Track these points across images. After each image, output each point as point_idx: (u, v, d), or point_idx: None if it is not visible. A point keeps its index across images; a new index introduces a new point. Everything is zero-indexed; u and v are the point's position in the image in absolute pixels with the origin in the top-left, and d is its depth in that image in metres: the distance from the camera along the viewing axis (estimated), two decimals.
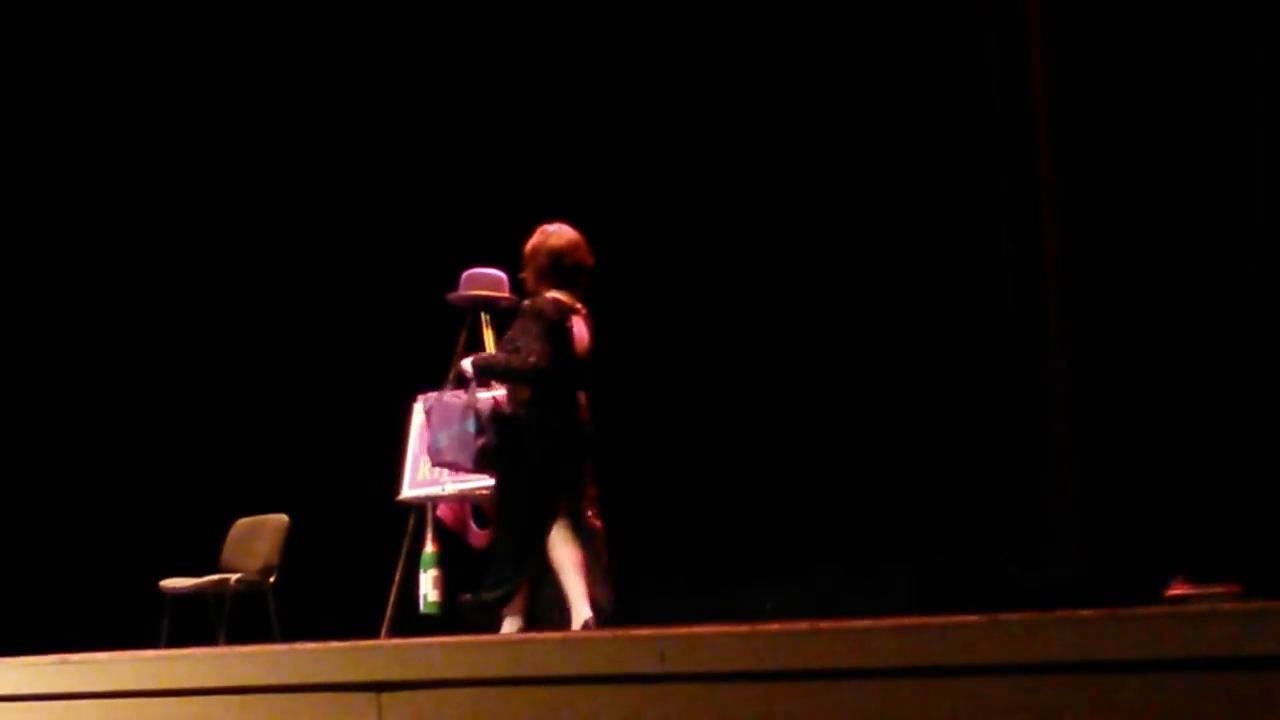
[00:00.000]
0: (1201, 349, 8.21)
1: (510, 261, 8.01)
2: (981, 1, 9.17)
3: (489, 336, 8.55)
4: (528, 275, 7.35)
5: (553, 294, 7.23)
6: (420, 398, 7.70)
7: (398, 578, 8.43)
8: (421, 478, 8.33)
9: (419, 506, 8.38)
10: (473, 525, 8.42)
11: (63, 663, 5.48)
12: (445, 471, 7.99)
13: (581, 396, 7.32)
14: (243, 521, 9.42)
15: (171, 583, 9.07)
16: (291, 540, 9.22)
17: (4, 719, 5.39)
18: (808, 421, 9.48)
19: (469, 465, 7.23)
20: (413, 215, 10.66)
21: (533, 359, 7.02)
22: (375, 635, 8.17)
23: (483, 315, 8.56)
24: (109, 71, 11.38)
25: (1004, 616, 3.89)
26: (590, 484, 7.32)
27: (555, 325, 7.12)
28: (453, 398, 7.33)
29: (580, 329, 7.30)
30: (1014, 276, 8.98)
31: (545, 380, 7.08)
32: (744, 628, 4.32)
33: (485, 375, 7.30)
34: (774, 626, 4.27)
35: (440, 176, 10.68)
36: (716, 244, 9.90)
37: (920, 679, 3.90)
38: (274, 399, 10.96)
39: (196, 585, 9.07)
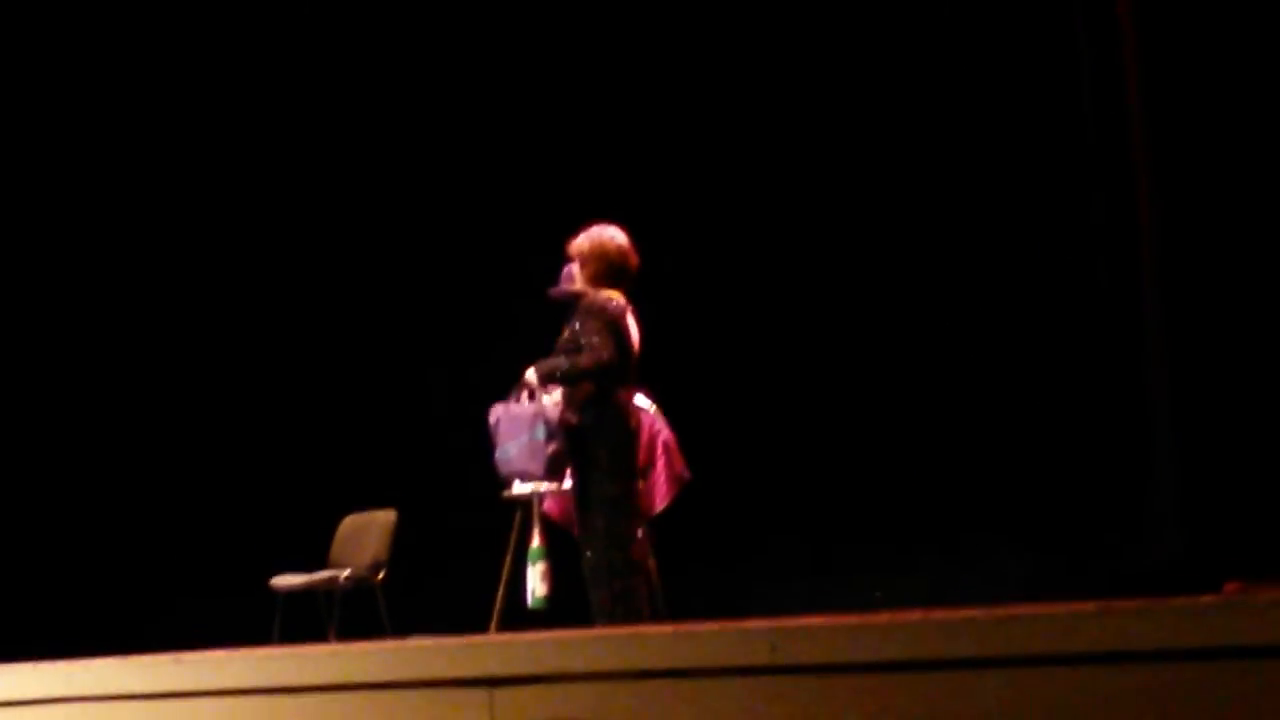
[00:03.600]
0: None
1: None
2: None
3: None
4: (584, 274, 7.42)
5: (607, 292, 7.31)
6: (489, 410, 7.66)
7: (506, 573, 8.45)
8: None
9: (526, 502, 8.39)
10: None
11: (177, 662, 5.52)
12: None
13: (637, 392, 7.39)
14: (352, 518, 9.47)
15: (282, 580, 9.14)
16: (400, 536, 9.25)
17: (120, 718, 5.45)
18: (917, 409, 9.44)
19: (540, 473, 7.37)
20: (520, 211, 10.68)
21: (605, 354, 7.11)
22: (484, 630, 8.20)
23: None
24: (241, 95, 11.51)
25: (1116, 604, 3.86)
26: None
27: (614, 321, 7.21)
28: (519, 408, 7.35)
29: (634, 325, 7.39)
30: (1113, 266, 8.91)
31: (612, 375, 7.17)
32: (855, 618, 4.31)
33: (551, 381, 7.30)
34: (885, 617, 4.26)
35: (542, 177, 10.72)
36: (815, 235, 9.89)
37: (1033, 668, 3.87)
38: (383, 395, 11.02)
39: (307, 582, 9.13)
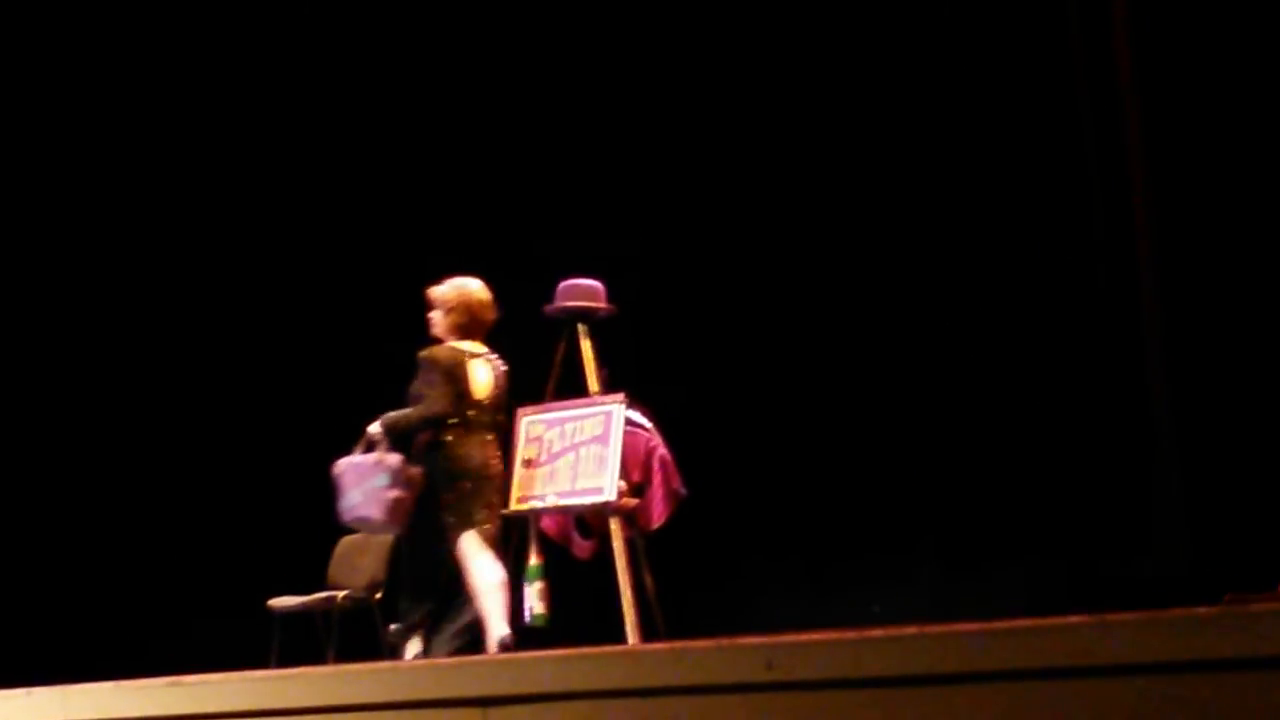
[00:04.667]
0: None
1: (605, 273, 8.04)
2: None
3: (587, 347, 8.56)
4: (445, 321, 8.02)
5: (451, 344, 7.92)
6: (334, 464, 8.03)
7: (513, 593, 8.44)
8: (524, 491, 8.34)
9: (523, 519, 8.38)
10: (576, 536, 8.44)
11: (175, 684, 5.49)
12: (549, 483, 8.05)
13: (487, 435, 7.93)
14: (348, 538, 9.45)
15: (279, 601, 9.13)
16: (397, 556, 9.22)
17: None
18: (916, 422, 9.42)
19: (381, 517, 7.81)
20: (512, 227, 10.67)
21: (436, 406, 7.75)
22: (482, 650, 8.17)
23: (580, 326, 8.58)
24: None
25: (1113, 617, 3.83)
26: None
27: (449, 372, 7.80)
28: (361, 458, 7.85)
29: (482, 373, 7.93)
30: (1114, 275, 8.90)
31: (445, 424, 7.78)
32: (852, 634, 4.28)
33: (391, 433, 7.86)
34: (882, 632, 4.23)
35: (544, 187, 10.72)
36: (810, 247, 9.88)
37: (1032, 681, 3.85)
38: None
39: (304, 604, 9.12)
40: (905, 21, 9.73)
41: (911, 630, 4.14)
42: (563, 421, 8.27)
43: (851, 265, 9.77)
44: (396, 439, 7.85)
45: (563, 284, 8.80)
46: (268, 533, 10.61)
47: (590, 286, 8.75)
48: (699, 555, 9.12)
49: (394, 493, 7.71)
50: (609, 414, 8.14)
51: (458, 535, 7.72)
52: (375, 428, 7.85)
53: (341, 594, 9.11)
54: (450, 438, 7.80)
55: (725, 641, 4.53)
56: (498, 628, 7.57)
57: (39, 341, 11.52)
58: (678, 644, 5.01)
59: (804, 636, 4.41)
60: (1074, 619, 3.90)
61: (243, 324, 11.47)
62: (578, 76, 10.75)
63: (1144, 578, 8.36)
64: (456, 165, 11.15)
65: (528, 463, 8.34)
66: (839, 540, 9.45)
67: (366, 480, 7.76)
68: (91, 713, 5.51)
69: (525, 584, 8.17)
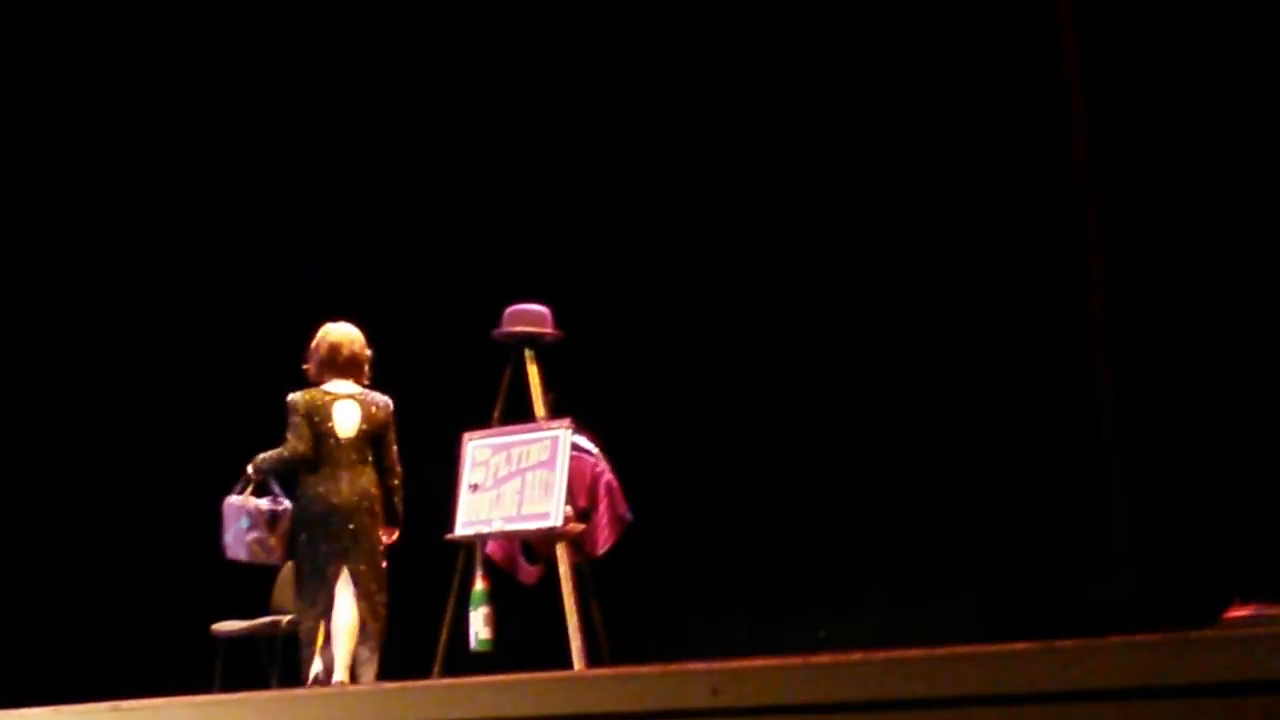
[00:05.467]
0: (1257, 366, 8.14)
1: (551, 298, 8.05)
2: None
3: (533, 372, 8.57)
4: (310, 367, 8.31)
5: (319, 386, 8.19)
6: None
7: (449, 616, 8.42)
8: (470, 516, 8.33)
9: (469, 544, 8.37)
10: (522, 561, 8.44)
11: (115, 710, 5.47)
12: (495, 508, 8.07)
13: (355, 470, 8.12)
14: (293, 563, 9.40)
15: (223, 626, 9.08)
16: None
17: None
18: (861, 446, 9.43)
19: (245, 558, 8.26)
20: (458, 253, 10.66)
21: (292, 447, 8.08)
22: (428, 674, 8.15)
23: (526, 351, 8.59)
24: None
25: (1059, 644, 3.84)
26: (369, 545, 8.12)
27: (306, 416, 8.08)
28: (235, 500, 8.28)
29: (347, 412, 8.15)
30: (1061, 292, 8.93)
31: (305, 465, 8.09)
32: (796, 660, 4.29)
33: (260, 472, 8.27)
34: (826, 658, 4.24)
35: (486, 212, 10.71)
36: (751, 268, 9.89)
37: (976, 708, 3.86)
38: None
39: (248, 628, 9.07)
40: (850, 28, 9.74)
41: (857, 656, 4.16)
42: (509, 446, 8.27)
43: (797, 294, 9.77)
44: (277, 476, 8.28)
45: (509, 309, 8.80)
46: (210, 557, 10.54)
47: (537, 312, 8.76)
48: (645, 581, 9.11)
49: (253, 535, 8.17)
50: (555, 439, 8.14)
51: (314, 567, 8.04)
52: (250, 468, 8.29)
53: (286, 618, 9.05)
54: (311, 476, 8.09)
55: (671, 667, 4.53)
56: (314, 668, 7.97)
57: None
58: (624, 669, 5.02)
59: (749, 662, 4.41)
60: (1020, 645, 3.91)
61: (184, 340, 11.42)
62: (520, 101, 10.75)
63: (1091, 604, 8.37)
64: (403, 190, 11.13)
65: (474, 487, 8.34)
66: (784, 566, 9.44)
67: (234, 522, 8.24)
68: None
69: (471, 609, 8.16)
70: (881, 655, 4.11)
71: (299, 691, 7.48)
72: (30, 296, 11.62)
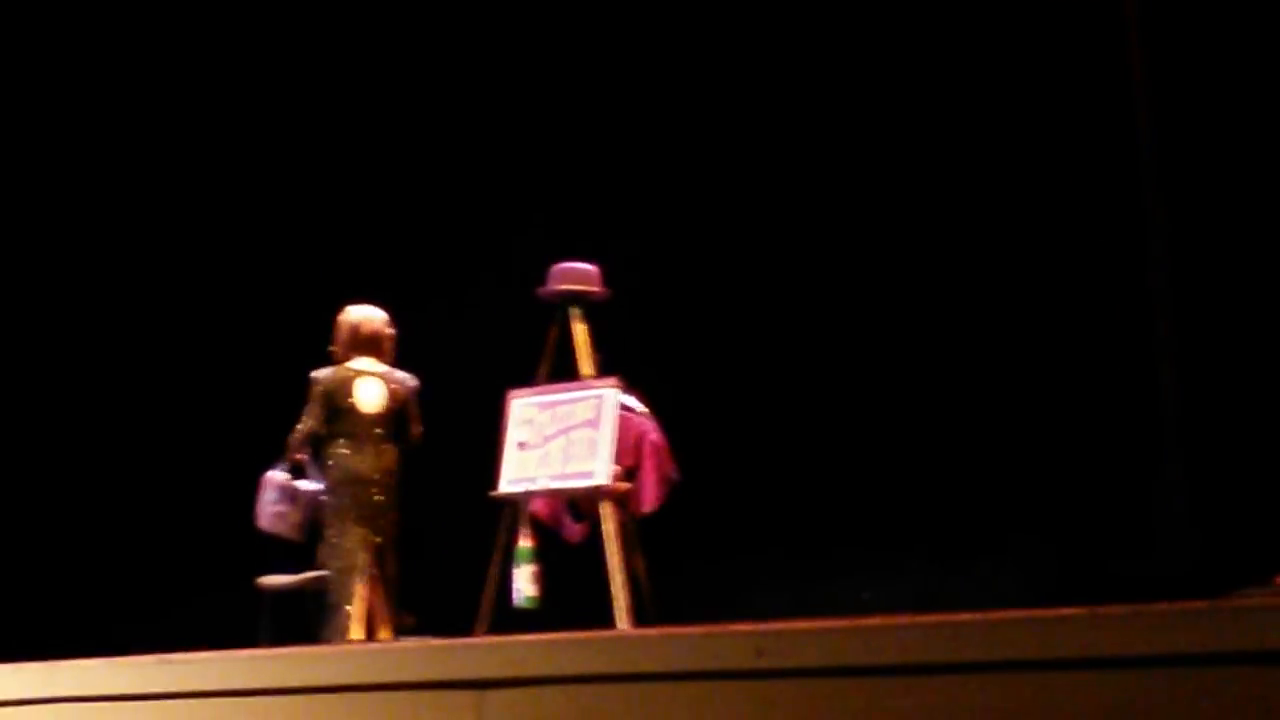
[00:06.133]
0: None
1: (599, 256, 8.02)
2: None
3: (580, 331, 8.56)
4: (335, 349, 8.57)
5: (342, 365, 8.44)
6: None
7: (493, 573, 8.44)
8: (516, 474, 8.34)
9: (513, 502, 8.38)
10: (568, 520, 8.45)
11: (164, 662, 5.49)
12: (541, 466, 8.08)
13: (379, 446, 8.37)
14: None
15: (269, 580, 9.10)
16: None
17: (108, 719, 5.42)
18: (908, 410, 9.41)
19: (270, 529, 8.59)
20: (505, 210, 10.65)
21: (304, 425, 8.43)
22: (473, 632, 8.18)
23: (573, 309, 8.58)
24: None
25: (1108, 609, 3.82)
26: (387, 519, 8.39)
27: (324, 393, 8.37)
28: (270, 475, 8.61)
29: (370, 389, 8.37)
30: (1122, 268, 8.88)
31: (317, 442, 8.44)
32: (843, 622, 4.27)
33: (294, 450, 8.57)
34: (874, 620, 4.22)
35: (535, 168, 10.70)
36: (806, 239, 9.86)
37: (1024, 673, 3.85)
38: None
39: (294, 582, 9.09)
40: (918, 13, 9.70)
41: (904, 619, 4.14)
42: (555, 405, 8.28)
43: (848, 251, 9.75)
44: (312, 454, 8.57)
45: (556, 267, 8.79)
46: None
47: (584, 270, 8.74)
48: (691, 541, 9.11)
49: (277, 507, 8.51)
50: (602, 398, 8.14)
51: (337, 539, 8.34)
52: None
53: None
54: (337, 447, 8.38)
55: (716, 628, 4.52)
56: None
57: (33, 326, 11.52)
58: (668, 629, 5.01)
59: (795, 624, 4.40)
60: (1067, 611, 3.89)
61: (247, 300, 11.47)
62: (573, 57, 10.72)
63: (1144, 575, 8.34)
64: (456, 148, 11.12)
65: (520, 445, 8.35)
66: (830, 528, 9.43)
67: (264, 495, 8.56)
68: (81, 689, 5.50)
69: (515, 566, 8.18)
70: (931, 618, 4.09)
71: (345, 647, 7.51)
72: (89, 263, 11.68)
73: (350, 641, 8.11)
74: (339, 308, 8.71)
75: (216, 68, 11.67)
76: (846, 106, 9.85)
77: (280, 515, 8.50)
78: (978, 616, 4.02)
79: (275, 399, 10.76)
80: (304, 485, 8.52)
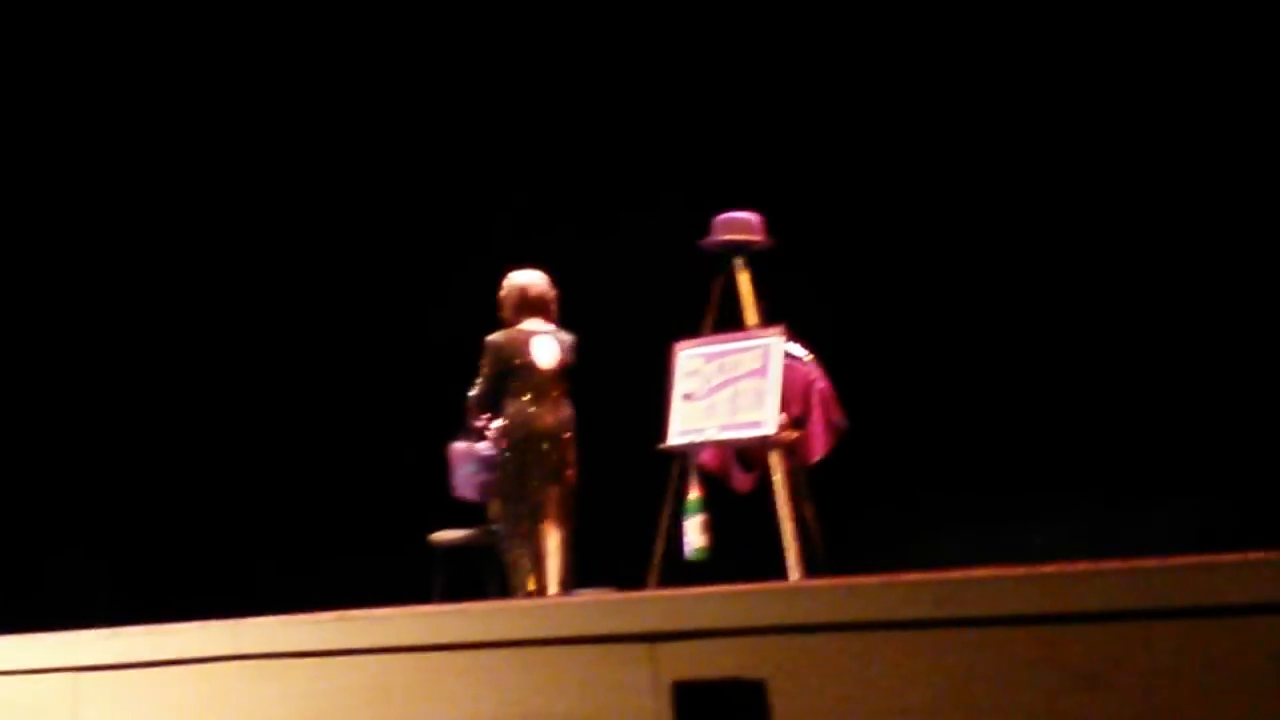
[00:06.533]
0: None
1: (764, 205, 8.00)
2: None
3: (744, 280, 8.54)
4: (505, 314, 8.68)
5: (510, 328, 8.58)
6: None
7: (664, 525, 8.46)
8: (684, 425, 8.35)
9: (682, 453, 8.39)
10: (737, 470, 8.43)
11: (342, 619, 5.56)
12: (708, 417, 8.08)
13: (558, 402, 8.52)
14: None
15: (442, 536, 9.18)
16: None
17: (289, 675, 5.50)
18: (1080, 354, 9.30)
19: (474, 498, 8.73)
20: (667, 161, 10.64)
21: (476, 388, 8.59)
22: (644, 584, 8.20)
23: (737, 260, 8.56)
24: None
25: None
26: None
27: (496, 356, 8.52)
28: (464, 445, 8.73)
29: (547, 347, 8.54)
30: None
31: (490, 406, 8.57)
32: (1020, 570, 4.23)
33: (474, 417, 8.69)
34: (1052, 568, 4.18)
35: (697, 119, 10.69)
36: (977, 182, 9.77)
37: (1206, 619, 3.78)
38: None
39: (467, 537, 9.15)
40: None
41: (1083, 567, 4.09)
42: (722, 355, 8.27)
43: (1025, 202, 9.64)
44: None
45: (719, 217, 8.75)
46: (428, 466, 10.69)
47: (746, 220, 8.70)
48: (860, 489, 9.07)
49: (481, 477, 8.62)
50: (768, 347, 8.12)
51: (517, 494, 8.46)
52: (468, 416, 8.73)
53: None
54: (516, 406, 8.50)
55: (891, 578, 4.50)
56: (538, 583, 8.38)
57: (217, 299, 11.78)
58: (844, 580, 4.99)
59: (972, 572, 4.36)
60: (1251, 555, 3.83)
61: (414, 264, 11.62)
62: (734, 6, 10.67)
63: None
64: (614, 100, 11.12)
65: (686, 397, 8.35)
66: (998, 473, 9.35)
67: (462, 464, 8.71)
68: (263, 646, 5.59)
69: (685, 518, 8.19)
70: (1111, 565, 4.04)
71: (522, 602, 7.57)
72: (263, 240, 11.90)
73: (526, 595, 8.19)
74: (504, 272, 8.77)
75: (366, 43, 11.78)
76: (1035, 63, 9.72)
77: (485, 485, 8.67)
78: (1160, 562, 3.97)
79: (436, 364, 10.93)
80: (486, 449, 8.64)
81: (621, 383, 8.69)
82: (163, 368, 12.00)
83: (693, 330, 8.59)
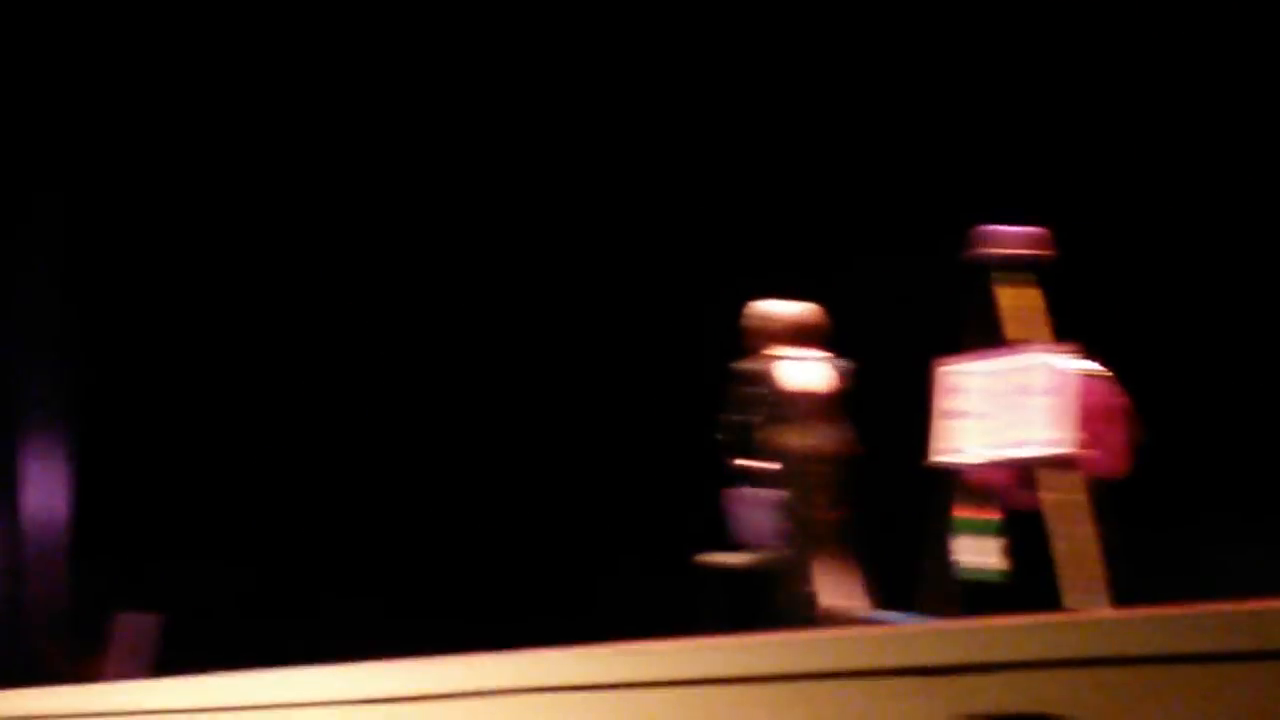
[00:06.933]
0: None
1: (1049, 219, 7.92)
2: None
3: (1031, 295, 8.35)
4: (759, 342, 8.55)
5: (764, 355, 8.46)
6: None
7: (936, 545, 8.30)
8: (958, 442, 8.19)
9: (956, 471, 8.24)
10: (1018, 489, 8.24)
11: (620, 653, 5.53)
12: (987, 433, 7.91)
13: (828, 426, 8.41)
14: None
15: (712, 558, 9.08)
16: None
17: (576, 708, 5.44)
18: None
19: (754, 541, 8.50)
20: (935, 179, 10.56)
21: (736, 418, 8.40)
22: (918, 607, 8.06)
23: (1017, 274, 8.39)
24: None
25: None
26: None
27: (748, 385, 8.39)
28: (746, 492, 8.52)
29: (819, 373, 8.47)
30: None
31: (745, 436, 8.40)
32: None
33: (734, 454, 8.49)
34: None
35: (970, 132, 10.60)
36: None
37: None
38: None
39: (740, 561, 9.04)
40: None
41: None
42: (1002, 372, 8.09)
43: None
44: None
45: (985, 230, 8.58)
46: (699, 489, 10.68)
47: (1014, 233, 8.52)
48: (1155, 507, 8.84)
49: (771, 523, 8.42)
50: (1057, 364, 7.93)
51: (799, 518, 8.36)
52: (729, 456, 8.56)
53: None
54: (792, 433, 8.38)
55: (1208, 607, 4.29)
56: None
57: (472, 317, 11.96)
58: (1148, 610, 4.77)
59: None
60: None
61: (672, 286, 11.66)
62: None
63: None
64: (871, 124, 11.05)
65: (962, 414, 8.19)
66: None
67: (750, 513, 8.50)
68: (547, 680, 5.56)
69: (969, 537, 8.04)
70: None
71: (816, 634, 7.42)
72: (506, 255, 12.02)
73: (810, 620, 8.10)
74: (758, 294, 8.71)
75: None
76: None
77: (761, 526, 8.55)
78: None
79: (686, 386, 10.94)
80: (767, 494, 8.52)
81: (895, 399, 8.55)
82: (435, 410, 12.17)
83: (956, 347, 8.42)
